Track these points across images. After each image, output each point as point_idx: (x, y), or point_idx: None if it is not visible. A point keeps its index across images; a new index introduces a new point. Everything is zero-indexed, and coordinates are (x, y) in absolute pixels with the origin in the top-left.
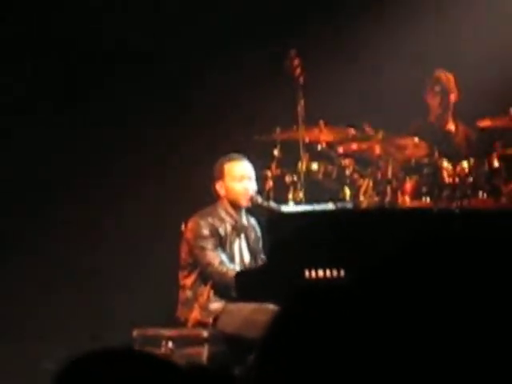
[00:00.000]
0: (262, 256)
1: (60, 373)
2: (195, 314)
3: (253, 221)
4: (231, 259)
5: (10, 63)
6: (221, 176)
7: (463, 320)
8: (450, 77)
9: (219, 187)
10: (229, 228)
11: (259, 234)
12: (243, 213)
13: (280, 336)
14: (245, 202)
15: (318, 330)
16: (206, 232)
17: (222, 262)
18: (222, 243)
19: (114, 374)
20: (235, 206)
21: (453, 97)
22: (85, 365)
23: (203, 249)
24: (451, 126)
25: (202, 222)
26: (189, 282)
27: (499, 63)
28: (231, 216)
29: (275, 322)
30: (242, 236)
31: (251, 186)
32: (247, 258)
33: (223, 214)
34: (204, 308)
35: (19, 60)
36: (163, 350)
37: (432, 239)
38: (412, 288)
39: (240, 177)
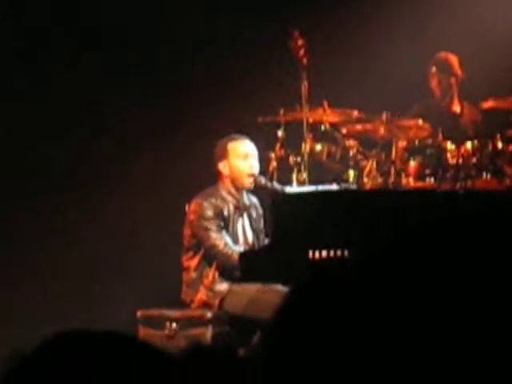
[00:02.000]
0: (263, 236)
1: (41, 345)
2: (201, 296)
3: (254, 199)
4: (235, 239)
5: None
6: (224, 155)
7: (472, 307)
8: (454, 58)
9: (223, 167)
10: (231, 208)
11: (261, 212)
12: (244, 192)
13: (293, 316)
14: (248, 183)
15: (332, 311)
16: (209, 213)
17: (226, 244)
18: (225, 224)
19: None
20: (238, 186)
21: (456, 78)
22: (64, 342)
23: (207, 230)
24: (457, 107)
25: (206, 204)
26: (193, 263)
27: (505, 44)
28: (233, 196)
29: (287, 302)
30: (245, 215)
31: (255, 165)
32: (250, 237)
33: (225, 194)
34: (210, 289)
35: None
36: (167, 330)
37: (442, 220)
38: (419, 273)
39: (244, 155)
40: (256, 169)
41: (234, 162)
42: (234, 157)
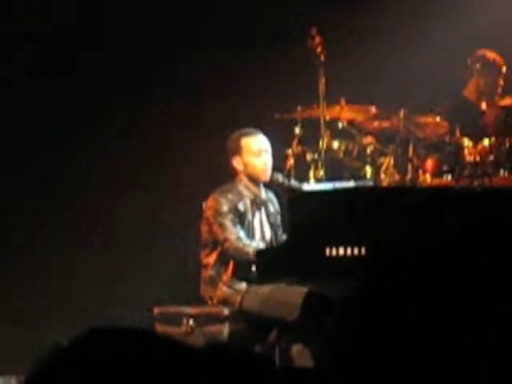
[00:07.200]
0: (281, 230)
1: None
2: (220, 293)
3: (271, 194)
4: (252, 234)
5: None
6: (238, 151)
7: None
8: (497, 55)
9: (237, 163)
10: (248, 203)
11: (278, 207)
12: (262, 187)
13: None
14: (264, 177)
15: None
16: (225, 208)
17: (238, 238)
18: (241, 219)
19: (126, 352)
20: (254, 180)
21: (504, 77)
22: (94, 341)
23: (222, 225)
24: (483, 104)
25: (222, 199)
26: (211, 260)
27: None
28: (250, 191)
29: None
30: (262, 210)
31: (269, 160)
32: (268, 232)
33: (242, 190)
34: (229, 286)
35: None
36: (184, 327)
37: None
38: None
39: (258, 151)
40: (270, 164)
41: (247, 159)
42: (248, 154)
